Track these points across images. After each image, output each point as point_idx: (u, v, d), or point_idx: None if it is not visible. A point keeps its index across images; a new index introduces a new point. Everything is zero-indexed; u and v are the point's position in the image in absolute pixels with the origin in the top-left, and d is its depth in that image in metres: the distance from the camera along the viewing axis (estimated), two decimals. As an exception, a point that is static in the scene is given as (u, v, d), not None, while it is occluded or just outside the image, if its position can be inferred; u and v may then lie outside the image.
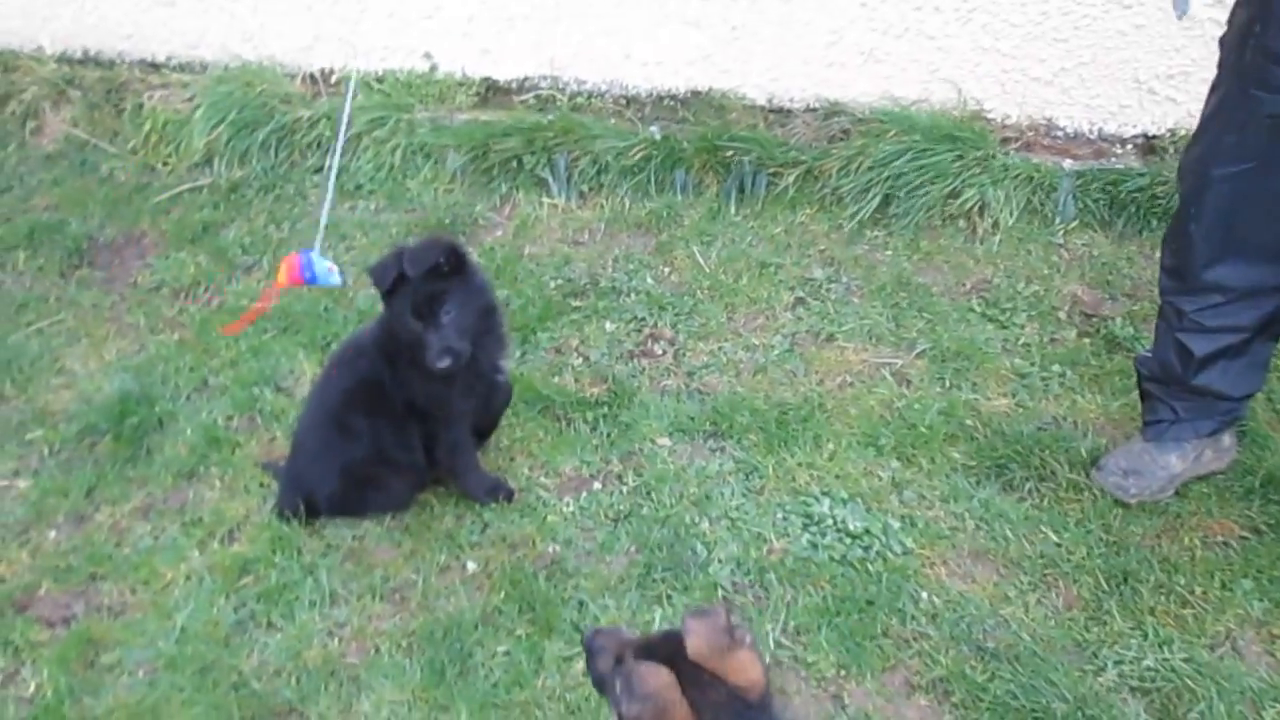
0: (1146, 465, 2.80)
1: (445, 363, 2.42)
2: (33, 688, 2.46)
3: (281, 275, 2.57)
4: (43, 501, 2.91)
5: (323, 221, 2.61)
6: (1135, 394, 2.97)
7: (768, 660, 2.45)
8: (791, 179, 3.94)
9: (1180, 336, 2.69)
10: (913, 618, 2.54)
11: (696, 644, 1.52)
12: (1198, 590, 2.60)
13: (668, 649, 1.54)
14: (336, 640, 2.53)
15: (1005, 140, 4.00)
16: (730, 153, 3.96)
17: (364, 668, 2.46)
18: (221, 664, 2.48)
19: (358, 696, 2.40)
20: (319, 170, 4.21)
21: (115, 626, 2.59)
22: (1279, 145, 2.40)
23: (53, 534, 2.84)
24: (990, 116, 4.03)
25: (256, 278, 3.81)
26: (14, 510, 2.89)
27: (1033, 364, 3.28)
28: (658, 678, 1.47)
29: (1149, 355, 2.83)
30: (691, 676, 1.50)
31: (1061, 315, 3.48)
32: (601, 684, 1.68)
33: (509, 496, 2.79)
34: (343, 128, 2.76)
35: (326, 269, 2.59)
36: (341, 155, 3.94)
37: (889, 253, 3.77)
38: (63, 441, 3.11)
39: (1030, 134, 4.02)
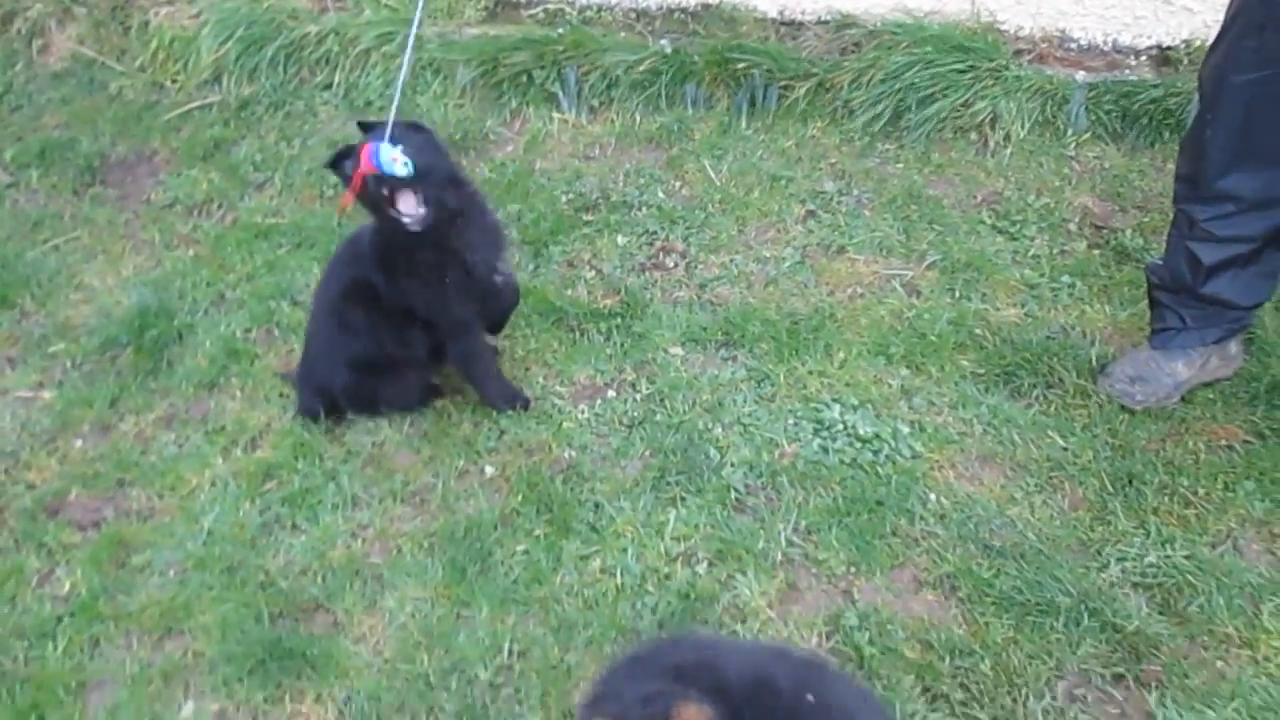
0: (1153, 372, 2.84)
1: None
2: (67, 587, 2.53)
3: (361, 161, 2.58)
4: (68, 412, 2.96)
5: (392, 110, 2.59)
6: (1144, 304, 3.00)
7: (779, 559, 2.51)
8: (802, 92, 3.92)
9: (1191, 245, 2.70)
10: (921, 518, 2.60)
11: None
12: (1200, 491, 2.64)
13: None
14: (359, 541, 2.60)
15: (1018, 52, 3.96)
16: (741, 66, 3.94)
17: (387, 567, 2.53)
18: (248, 564, 2.55)
19: (382, 594, 2.48)
20: (328, 87, 4.19)
21: (144, 529, 2.66)
22: None
23: (79, 443, 2.89)
24: (1003, 28, 4.00)
25: (269, 194, 3.82)
26: (40, 420, 2.94)
27: (1042, 275, 3.30)
28: None
29: (1159, 264, 2.85)
30: None
31: (1072, 227, 3.49)
32: None
33: (525, 405, 2.84)
34: (416, 19, 2.74)
35: (390, 158, 2.58)
36: (350, 71, 3.94)
37: (900, 165, 3.77)
38: (84, 354, 3.15)
39: (1043, 45, 3.98)
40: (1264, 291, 2.80)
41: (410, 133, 2.50)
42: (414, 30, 2.72)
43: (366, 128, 2.52)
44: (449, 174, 2.55)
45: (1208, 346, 2.84)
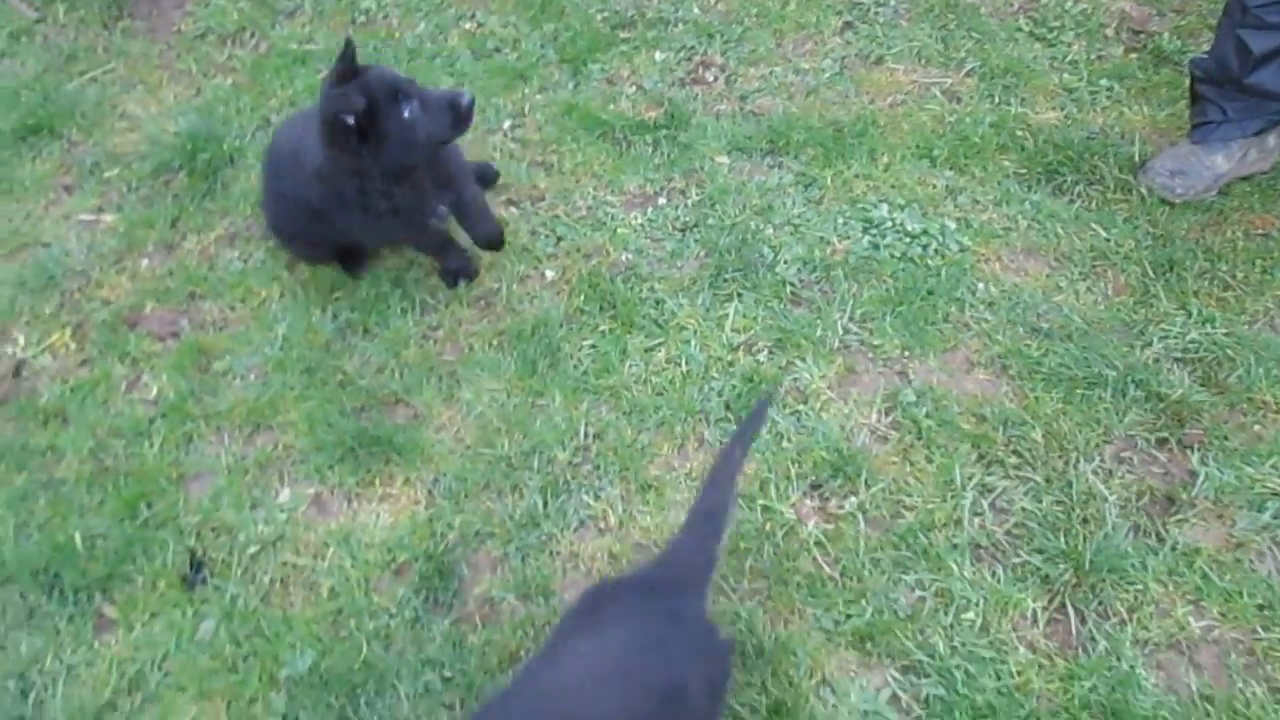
0: (1192, 166, 2.90)
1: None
2: (155, 391, 2.65)
3: None
4: (131, 233, 3.02)
5: None
6: (1182, 105, 3.04)
7: (836, 345, 2.62)
8: (835, -99, 3.85)
9: (1241, 33, 2.72)
10: (971, 305, 2.70)
11: None
12: (1239, 275, 2.74)
13: None
14: (431, 342, 2.70)
15: None
16: (772, -125, 3.85)
17: (460, 364, 2.64)
18: (326, 365, 2.66)
19: (458, 387, 2.59)
20: (349, -88, 4.09)
21: (221, 338, 2.76)
22: None
23: (145, 261, 2.97)
24: None
25: (300, 22, 3.80)
26: (106, 241, 3.01)
27: (1080, 79, 3.32)
28: None
29: (1204, 57, 2.88)
30: None
31: (1109, 32, 3.49)
32: None
33: (470, 277, 2.80)
34: None
35: None
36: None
37: (935, -26, 3.73)
38: (139, 179, 3.20)
39: None
40: None
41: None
42: None
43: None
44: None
45: (1247, 139, 2.89)
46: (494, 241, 2.76)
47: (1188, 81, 2.96)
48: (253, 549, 2.32)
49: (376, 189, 2.40)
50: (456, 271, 2.77)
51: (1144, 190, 2.95)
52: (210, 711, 2.08)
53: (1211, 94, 2.88)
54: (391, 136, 2.28)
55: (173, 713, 2.08)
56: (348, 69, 2.27)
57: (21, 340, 2.76)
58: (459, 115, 2.35)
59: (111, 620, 2.23)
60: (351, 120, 2.21)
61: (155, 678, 2.14)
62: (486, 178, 3.03)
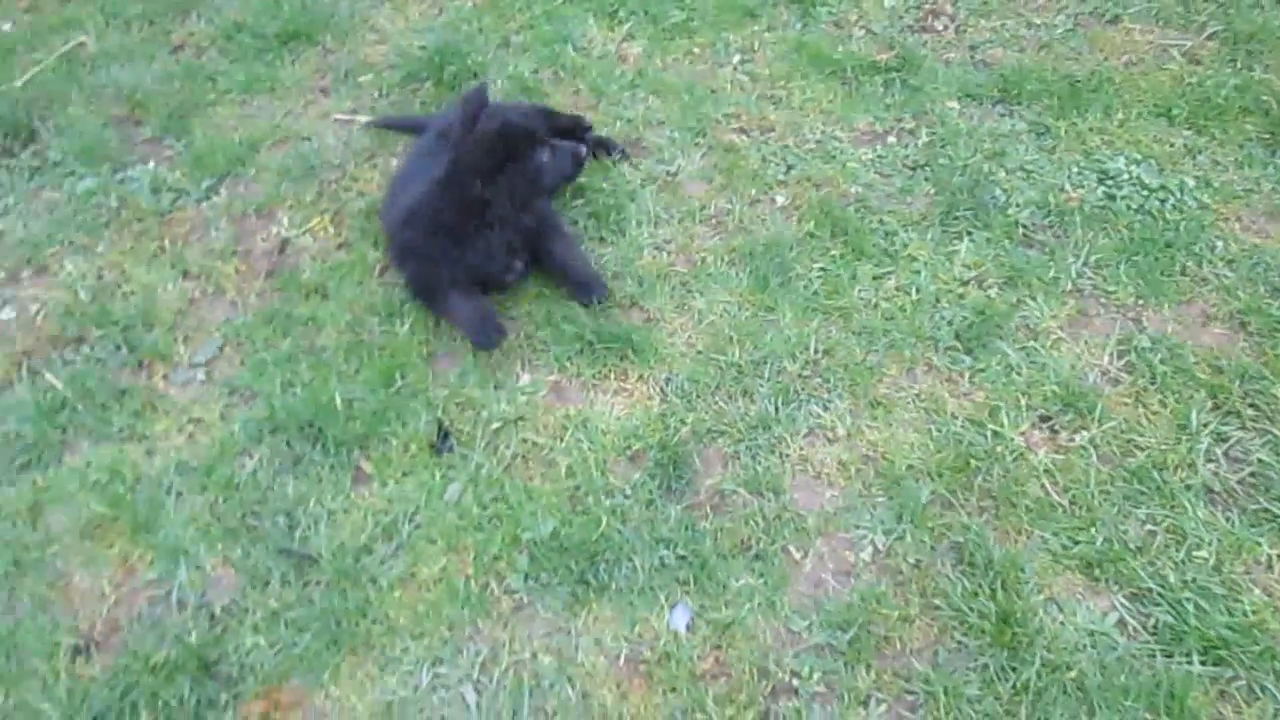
0: None
1: None
2: (406, 277, 2.81)
3: None
4: (382, 133, 3.22)
5: None
6: None
7: (1069, 288, 2.63)
8: None
9: None
10: (1209, 261, 2.67)
11: None
12: None
13: None
14: (664, 253, 2.81)
15: None
16: None
17: (692, 275, 2.74)
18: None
19: (690, 297, 2.70)
20: None
21: (465, 235, 2.91)
22: None
23: (395, 160, 3.16)
24: None
25: (535, -46, 3.94)
26: (360, 139, 3.22)
27: (1331, 49, 3.21)
28: None
29: None
30: None
31: (1364, 3, 3.36)
32: None
33: (486, 344, 2.62)
34: None
35: None
36: None
37: (1180, -63, 3.65)
38: (389, 86, 3.40)
39: None
40: None
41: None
42: None
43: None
44: None
45: None
46: (596, 290, 2.67)
47: None
48: (495, 425, 2.47)
49: (497, 216, 2.59)
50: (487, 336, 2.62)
51: None
52: (458, 563, 2.24)
53: None
54: (522, 175, 2.59)
55: (424, 560, 2.25)
56: (479, 108, 2.56)
57: (285, 221, 2.98)
58: (579, 163, 2.71)
59: (367, 474, 2.41)
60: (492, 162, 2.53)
61: (407, 529, 2.31)
62: (609, 145, 3.08)
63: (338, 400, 2.51)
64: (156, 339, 2.70)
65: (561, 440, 2.44)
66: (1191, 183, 2.84)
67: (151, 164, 3.18)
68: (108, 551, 2.30)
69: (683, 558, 2.20)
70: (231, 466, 2.42)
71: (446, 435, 2.47)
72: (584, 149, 2.72)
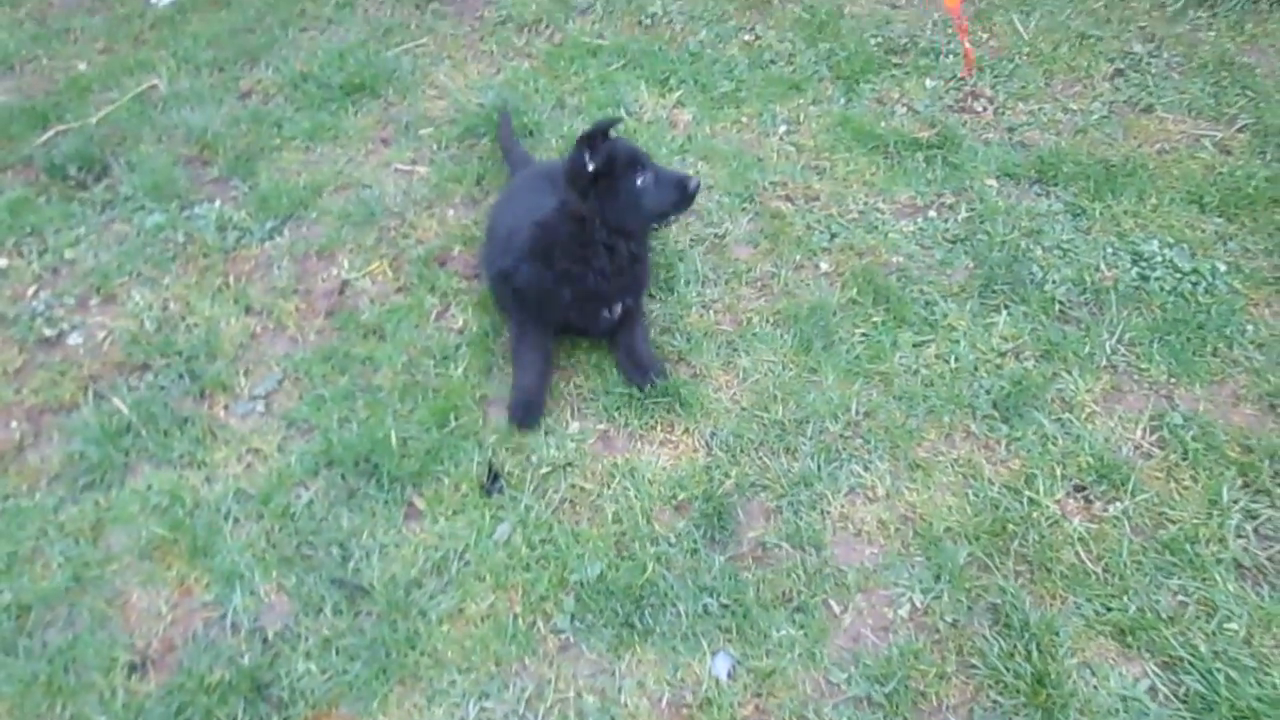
0: None
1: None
2: (461, 322, 2.93)
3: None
4: (442, 185, 3.35)
5: None
6: None
7: (1103, 363, 2.72)
8: (1117, -45, 3.97)
9: None
10: (1239, 344, 2.76)
11: None
12: None
13: None
14: (711, 312, 2.91)
15: (1346, -72, 3.90)
16: (1056, -75, 4.00)
17: (738, 334, 2.84)
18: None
19: (735, 355, 2.79)
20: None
21: (518, 285, 3.02)
22: None
23: (452, 212, 3.28)
24: (1333, -97, 3.93)
25: (591, 20, 4.12)
26: (419, 190, 3.34)
27: (1358, 147, 3.33)
28: None
29: None
30: None
31: (1390, 105, 3.49)
32: None
33: (522, 424, 2.66)
34: None
35: None
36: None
37: (1212, 33, 3.81)
38: (448, 140, 3.54)
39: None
40: None
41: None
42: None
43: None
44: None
45: None
46: (651, 376, 2.70)
47: None
48: (545, 469, 2.56)
49: (595, 241, 2.58)
50: (519, 407, 2.67)
51: None
52: (506, 601, 2.31)
53: None
54: (621, 195, 2.53)
55: (473, 596, 2.32)
56: (600, 133, 2.50)
57: (346, 264, 3.10)
58: (684, 194, 2.57)
59: (420, 510, 2.49)
60: (591, 166, 2.46)
61: (457, 565, 2.38)
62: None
63: (393, 438, 2.60)
64: (218, 370, 2.80)
65: (609, 487, 2.52)
66: (1223, 268, 2.94)
67: (218, 203, 3.30)
68: (166, 573, 2.37)
69: (725, 606, 2.26)
70: (288, 496, 2.51)
71: (497, 477, 2.55)
72: (694, 180, 2.59)
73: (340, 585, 2.35)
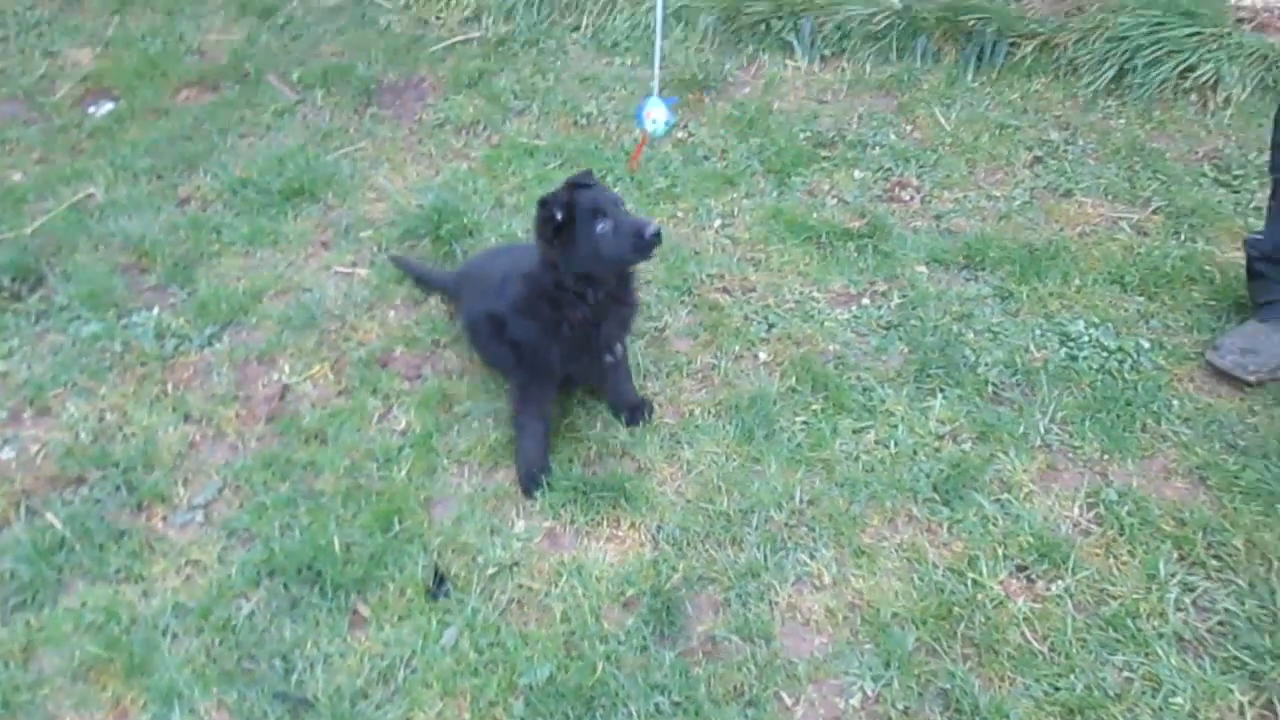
0: (1262, 344, 2.89)
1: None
2: (404, 424, 2.93)
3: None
4: (382, 286, 3.37)
5: (655, 70, 2.97)
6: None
7: (1038, 443, 2.78)
8: (1029, 49, 4.18)
9: None
10: (1167, 419, 2.84)
11: None
12: None
13: None
14: (655, 405, 2.94)
15: (1239, 20, 4.15)
16: (970, 22, 4.20)
17: (680, 427, 2.87)
18: (556, 417, 2.91)
19: (679, 447, 2.81)
20: (577, 28, 4.60)
21: (461, 385, 3.04)
22: None
23: (393, 312, 3.30)
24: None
25: (528, 120, 4.22)
26: (359, 292, 3.36)
27: (1265, 225, 3.48)
28: None
29: (1259, 236, 2.91)
30: None
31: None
32: None
33: (529, 491, 2.75)
34: None
35: (648, 118, 3.00)
36: (599, 15, 4.31)
37: (1122, 121, 4.00)
38: (388, 241, 3.57)
39: (1265, 15, 4.15)
40: None
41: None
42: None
43: (575, 186, 2.60)
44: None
45: None
46: (635, 411, 2.87)
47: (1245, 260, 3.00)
48: (491, 570, 2.54)
49: (567, 289, 2.63)
50: (528, 477, 2.75)
51: (1216, 367, 2.94)
52: (454, 708, 2.27)
53: (1272, 272, 2.92)
54: (580, 242, 2.56)
55: (420, 705, 2.27)
56: (577, 182, 2.60)
57: (287, 369, 3.09)
58: (641, 242, 2.56)
59: (364, 618, 2.45)
60: (558, 215, 2.52)
61: (403, 673, 2.34)
62: None
63: (336, 544, 2.57)
64: (156, 480, 2.76)
65: (556, 586, 2.50)
66: (1147, 345, 3.04)
67: (156, 310, 3.29)
68: (101, 694, 2.31)
69: (677, 704, 2.25)
70: (228, 609, 2.46)
71: (443, 580, 2.52)
72: (652, 226, 2.52)
73: (284, 699, 2.30)
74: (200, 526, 2.66)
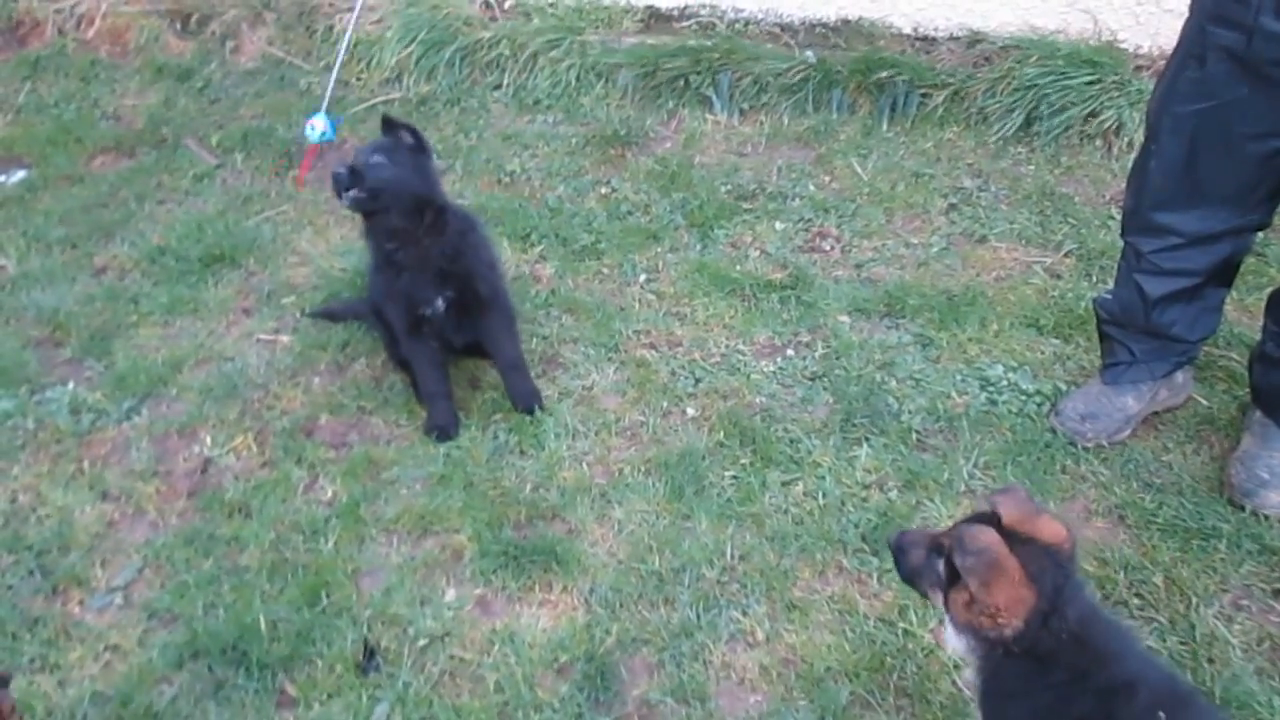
0: (1103, 407, 2.89)
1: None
2: (330, 494, 2.89)
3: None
4: (306, 353, 3.33)
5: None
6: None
7: (962, 489, 2.83)
8: (940, 100, 4.29)
9: (1138, 277, 2.74)
10: (1086, 460, 2.91)
11: (1009, 513, 1.82)
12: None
13: (984, 520, 1.83)
14: (584, 465, 2.94)
15: (1138, 68, 4.31)
16: (883, 75, 4.32)
17: (611, 486, 2.87)
18: (486, 480, 2.90)
19: (609, 507, 2.81)
20: (498, 87, 4.63)
21: (389, 451, 3.01)
22: (1236, 85, 2.39)
23: (318, 380, 3.26)
24: (1123, 46, 4.35)
25: (451, 180, 4.21)
26: (283, 359, 3.32)
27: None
28: (988, 535, 1.77)
29: (1108, 297, 2.93)
30: (1011, 537, 1.79)
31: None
32: (914, 578, 1.97)
33: (441, 437, 3.04)
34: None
35: (309, 125, 3.77)
36: (519, 73, 4.35)
37: (1032, 167, 4.12)
38: (311, 306, 3.53)
39: (1162, 62, 4.30)
40: (1210, 325, 2.86)
41: (387, 139, 2.94)
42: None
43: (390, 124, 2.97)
44: (400, 183, 2.86)
45: (1156, 380, 2.90)
46: (528, 403, 3.08)
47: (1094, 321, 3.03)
48: (422, 642, 2.50)
49: (375, 241, 2.94)
50: (437, 427, 3.03)
51: (1056, 431, 2.98)
52: (387, 788, 2.22)
53: (1119, 335, 2.93)
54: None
55: (352, 787, 2.22)
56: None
57: (209, 441, 3.03)
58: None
59: (293, 698, 2.40)
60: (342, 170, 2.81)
61: (334, 755, 2.29)
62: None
63: (262, 621, 2.52)
64: (72, 563, 2.69)
65: (489, 655, 2.47)
66: (1063, 387, 3.11)
67: (71, 385, 3.22)
68: (15, 794, 2.21)
69: (614, 772, 2.22)
70: (149, 695, 2.39)
71: (373, 654, 2.48)
72: (343, 168, 2.85)
73: (208, 788, 2.22)
74: (119, 609, 2.59)
